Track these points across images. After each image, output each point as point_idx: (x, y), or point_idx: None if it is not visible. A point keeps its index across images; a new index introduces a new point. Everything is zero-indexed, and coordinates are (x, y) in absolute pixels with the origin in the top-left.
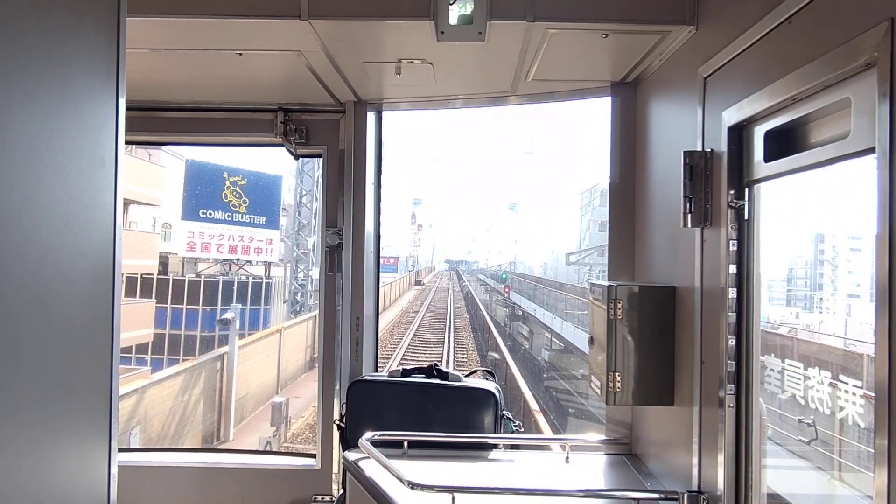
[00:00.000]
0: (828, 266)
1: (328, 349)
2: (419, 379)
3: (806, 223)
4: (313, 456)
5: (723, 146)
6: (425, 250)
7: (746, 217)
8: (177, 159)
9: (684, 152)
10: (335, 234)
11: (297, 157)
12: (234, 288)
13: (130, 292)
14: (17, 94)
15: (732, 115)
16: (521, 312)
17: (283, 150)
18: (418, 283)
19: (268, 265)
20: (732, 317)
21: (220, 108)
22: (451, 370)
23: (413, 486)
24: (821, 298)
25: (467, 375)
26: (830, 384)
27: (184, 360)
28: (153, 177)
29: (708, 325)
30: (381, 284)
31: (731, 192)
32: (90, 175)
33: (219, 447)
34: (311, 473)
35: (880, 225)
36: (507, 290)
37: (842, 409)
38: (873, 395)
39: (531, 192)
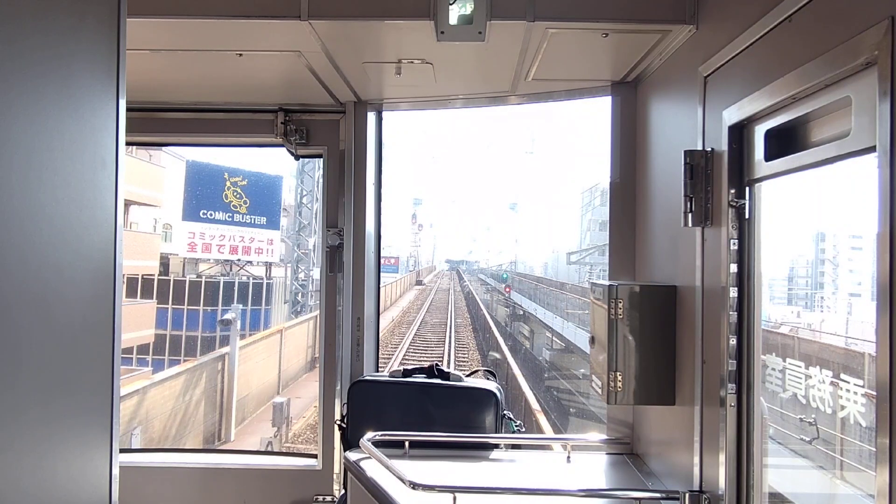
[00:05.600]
0: (829, 265)
1: (329, 349)
2: (420, 379)
3: (807, 222)
4: (314, 456)
5: (723, 145)
6: (426, 250)
7: (747, 216)
8: (177, 160)
9: (685, 151)
10: (336, 235)
11: (297, 157)
12: (235, 288)
13: (131, 293)
14: (18, 95)
15: (733, 114)
16: (521, 312)
17: (283, 150)
18: (419, 283)
19: (268, 266)
20: (733, 316)
21: (220, 108)
22: (452, 370)
23: (414, 486)
24: (822, 297)
25: (468, 375)
26: (832, 383)
27: (185, 361)
28: (154, 177)
29: (709, 325)
30: (381, 284)
31: (732, 191)
32: (91, 176)
33: (220, 448)
34: (312, 474)
35: (881, 224)
36: (507, 289)
37: (843, 407)
38: (874, 393)
39: (532, 191)
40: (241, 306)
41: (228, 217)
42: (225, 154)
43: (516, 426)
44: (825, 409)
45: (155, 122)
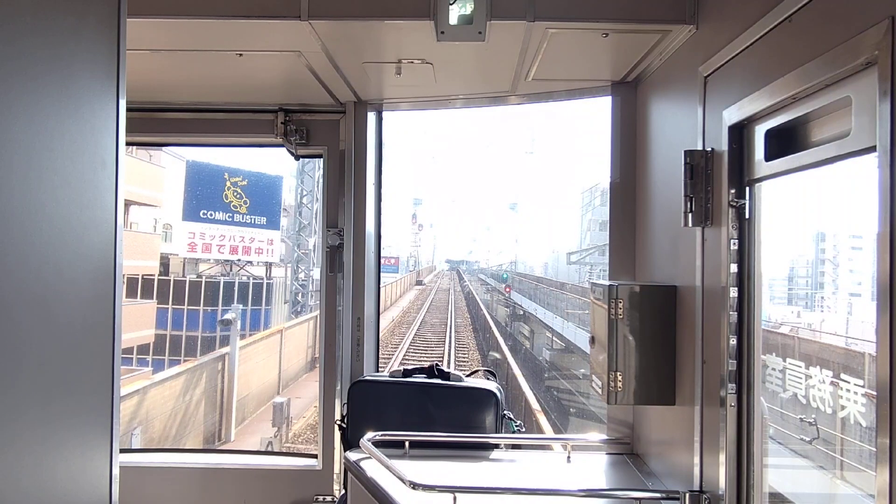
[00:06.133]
0: (829, 265)
1: (329, 349)
2: (420, 379)
3: (807, 222)
4: (315, 456)
5: (723, 145)
6: (426, 250)
7: (747, 216)
8: (177, 160)
9: (685, 151)
10: (336, 235)
11: (297, 157)
12: (235, 288)
13: (131, 293)
14: (18, 95)
15: (733, 114)
16: (521, 312)
17: (283, 150)
18: (419, 283)
19: (269, 266)
20: (734, 316)
21: (220, 108)
22: (452, 370)
23: (414, 486)
24: (822, 297)
25: (468, 375)
26: (832, 383)
27: (185, 361)
28: (154, 178)
29: (709, 325)
30: (381, 285)
31: (732, 191)
32: (91, 176)
33: (220, 448)
34: (312, 474)
35: (881, 223)
36: (507, 289)
37: (843, 407)
38: (875, 393)
39: (532, 191)
40: (241, 306)
41: (228, 217)
42: (225, 154)
43: (516, 426)
44: (825, 409)
45: (155, 122)
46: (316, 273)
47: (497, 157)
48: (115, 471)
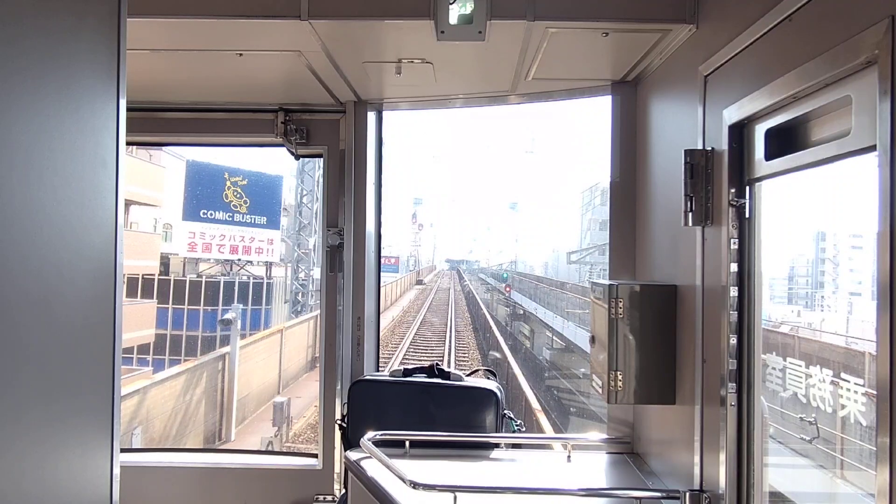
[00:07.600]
0: (829, 264)
1: (329, 349)
2: (420, 378)
3: (807, 221)
4: (315, 456)
5: (723, 144)
6: (426, 250)
7: (747, 215)
8: (177, 160)
9: (685, 151)
10: (336, 234)
11: (297, 157)
12: (236, 288)
13: (132, 293)
14: (18, 95)
15: (733, 114)
16: (522, 311)
17: (283, 150)
18: (419, 282)
19: (269, 265)
20: (734, 315)
21: (220, 108)
22: (452, 370)
23: (415, 485)
24: (822, 296)
25: (469, 375)
26: (832, 382)
27: (185, 361)
28: (154, 177)
29: (709, 324)
30: (382, 284)
31: (732, 190)
32: (91, 176)
33: (220, 447)
34: (312, 473)
35: (881, 223)
36: (508, 289)
37: (843, 407)
38: (875, 392)
39: (532, 191)
40: (241, 306)
41: (228, 217)
42: (225, 154)
43: (517, 426)
44: (825, 409)
45: (155, 122)
46: (316, 273)
47: (497, 157)
48: (116, 470)
